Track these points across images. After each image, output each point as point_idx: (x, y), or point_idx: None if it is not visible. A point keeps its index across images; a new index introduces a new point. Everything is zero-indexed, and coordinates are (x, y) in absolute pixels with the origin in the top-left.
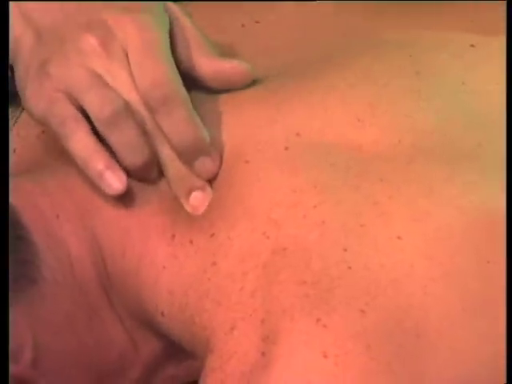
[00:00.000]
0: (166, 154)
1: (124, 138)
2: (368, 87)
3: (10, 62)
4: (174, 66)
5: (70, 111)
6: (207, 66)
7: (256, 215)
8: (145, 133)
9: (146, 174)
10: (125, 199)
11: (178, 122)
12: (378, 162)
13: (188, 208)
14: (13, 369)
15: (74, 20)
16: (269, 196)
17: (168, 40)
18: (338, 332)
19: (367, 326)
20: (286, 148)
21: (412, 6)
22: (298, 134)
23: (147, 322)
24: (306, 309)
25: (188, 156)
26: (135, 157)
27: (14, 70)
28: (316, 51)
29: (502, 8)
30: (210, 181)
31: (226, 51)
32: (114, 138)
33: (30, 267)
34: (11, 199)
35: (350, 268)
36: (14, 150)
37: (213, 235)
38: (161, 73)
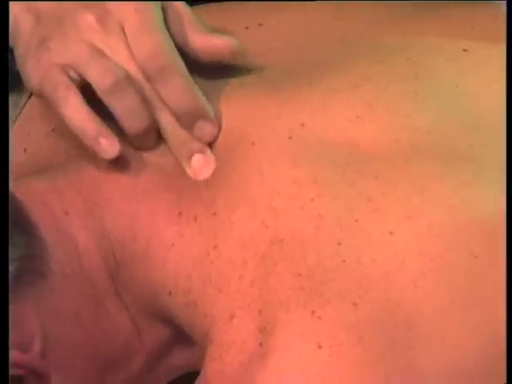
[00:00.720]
0: (167, 121)
1: (126, 105)
2: (369, 88)
3: (10, 44)
4: (169, 37)
5: (63, 79)
6: (200, 41)
7: (257, 202)
8: (145, 101)
9: (146, 140)
10: (130, 186)
11: (176, 89)
12: (374, 160)
13: (190, 172)
14: (23, 359)
15: (72, 2)
16: (271, 184)
17: (161, 15)
18: (332, 324)
19: (360, 319)
20: (290, 137)
21: (408, 12)
22: (302, 125)
23: (153, 307)
24: (301, 301)
25: (187, 120)
26: (136, 122)
27: (14, 50)
28: (317, 53)
29: (498, 13)
30: (215, 158)
31: None
32: (115, 106)
33: (39, 262)
34: (21, 197)
35: (343, 261)
36: (25, 150)
37: (215, 214)
38: (156, 43)
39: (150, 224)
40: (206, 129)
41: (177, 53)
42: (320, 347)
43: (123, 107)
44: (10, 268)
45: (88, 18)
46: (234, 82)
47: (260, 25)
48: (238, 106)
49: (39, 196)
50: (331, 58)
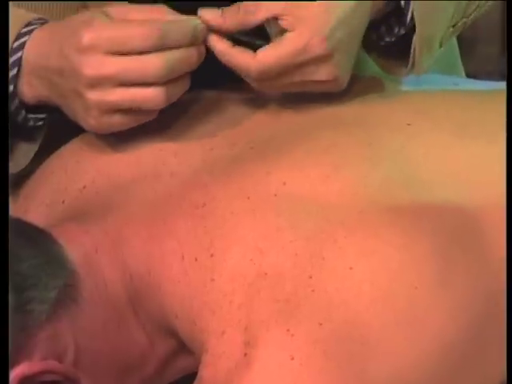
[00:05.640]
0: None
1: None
2: (335, 153)
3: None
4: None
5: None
6: None
7: (247, 243)
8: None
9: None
10: (145, 230)
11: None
12: (338, 210)
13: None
14: (59, 367)
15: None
16: (259, 230)
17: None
18: (302, 340)
19: (324, 336)
20: (275, 195)
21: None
22: (284, 184)
23: (164, 325)
24: (279, 321)
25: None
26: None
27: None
28: (292, 126)
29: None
30: (217, 205)
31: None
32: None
33: (73, 290)
34: (60, 238)
35: (313, 291)
36: (63, 201)
37: (212, 255)
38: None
39: (162, 263)
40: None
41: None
42: (292, 358)
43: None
44: (52, 295)
45: (86, 37)
46: (231, 147)
47: (252, 99)
48: (235, 167)
49: (75, 237)
50: (305, 129)
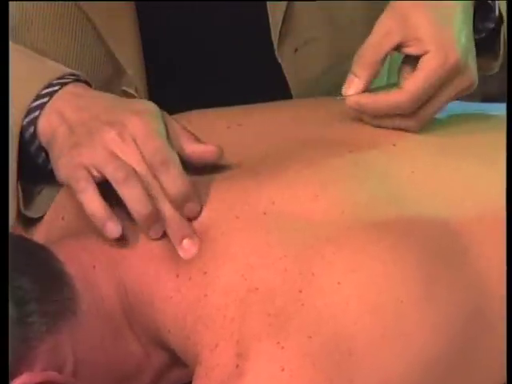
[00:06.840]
0: (166, 208)
1: (132, 193)
2: (323, 173)
3: (45, 146)
4: (167, 142)
5: (85, 175)
6: (190, 149)
7: (238, 260)
8: (149, 193)
9: (150, 223)
10: (142, 250)
11: (173, 176)
12: (326, 226)
13: (180, 251)
14: (59, 378)
15: (99, 118)
16: (249, 246)
17: (164, 129)
18: (292, 352)
19: (314, 349)
20: (265, 213)
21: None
22: (273, 203)
23: (158, 339)
24: (269, 334)
25: (180, 202)
26: (141, 208)
27: (49, 152)
28: (282, 147)
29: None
30: (208, 227)
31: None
32: (125, 194)
33: (72, 303)
34: (60, 255)
35: (302, 305)
36: (62, 218)
37: (205, 273)
38: (158, 145)
39: (155, 281)
40: (192, 208)
41: (172, 150)
42: (283, 370)
43: (131, 195)
44: (52, 308)
45: (111, 133)
46: (221, 169)
47: (239, 125)
48: (225, 188)
49: (74, 253)
50: (293, 150)
